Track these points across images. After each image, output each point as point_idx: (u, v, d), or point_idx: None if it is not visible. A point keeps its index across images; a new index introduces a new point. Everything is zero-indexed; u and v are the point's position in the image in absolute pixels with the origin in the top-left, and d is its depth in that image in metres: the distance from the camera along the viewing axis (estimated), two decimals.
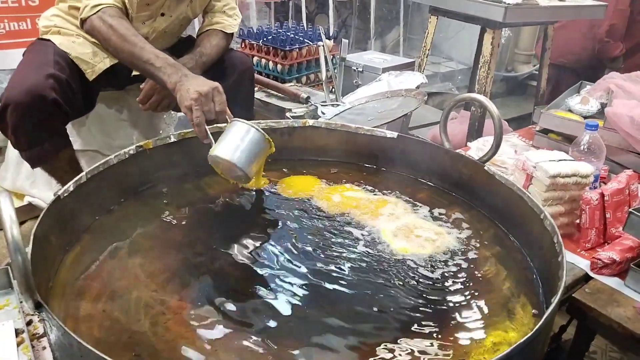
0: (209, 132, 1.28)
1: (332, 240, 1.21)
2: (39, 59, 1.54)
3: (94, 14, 1.51)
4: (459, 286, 1.08)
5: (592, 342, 1.36)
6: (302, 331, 0.94)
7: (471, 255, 1.19)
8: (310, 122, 1.58)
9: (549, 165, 1.38)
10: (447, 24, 3.89)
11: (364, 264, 1.13)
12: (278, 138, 1.55)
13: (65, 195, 1.10)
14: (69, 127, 1.67)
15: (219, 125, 1.34)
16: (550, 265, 1.04)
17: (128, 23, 1.53)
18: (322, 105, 2.18)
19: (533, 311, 1.02)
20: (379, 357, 0.88)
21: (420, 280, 1.09)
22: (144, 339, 0.90)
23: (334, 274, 1.09)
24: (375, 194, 1.43)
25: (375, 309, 1.00)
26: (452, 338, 0.94)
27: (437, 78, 4.57)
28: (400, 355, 0.89)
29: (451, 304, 1.03)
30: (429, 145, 1.50)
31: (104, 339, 0.90)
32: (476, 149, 1.87)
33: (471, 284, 1.09)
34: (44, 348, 0.95)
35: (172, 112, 2.20)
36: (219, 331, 0.92)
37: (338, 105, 2.16)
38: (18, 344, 0.95)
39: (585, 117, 2.06)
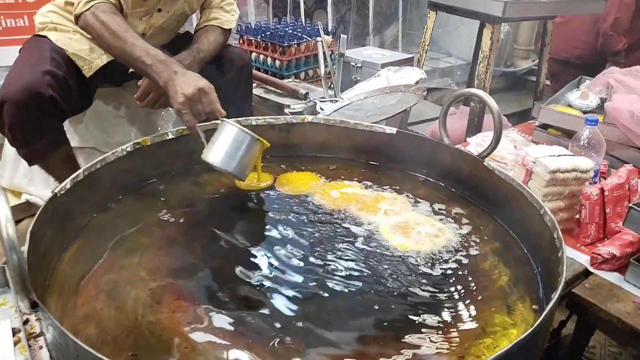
0: (200, 133, 1.29)
1: (331, 237, 1.20)
2: (35, 56, 1.53)
3: (87, 9, 1.49)
4: (458, 282, 1.08)
5: (591, 337, 1.36)
6: (301, 329, 0.93)
7: (471, 251, 1.18)
8: (309, 118, 1.58)
9: (548, 161, 1.37)
10: (446, 19, 3.88)
11: (362, 261, 1.12)
12: (276, 134, 1.55)
13: (62, 193, 1.10)
14: (66, 124, 1.66)
15: (215, 122, 1.33)
16: (550, 261, 1.04)
17: (121, 19, 1.51)
18: (320, 101, 2.17)
19: (533, 307, 1.02)
20: (379, 353, 0.88)
21: (420, 276, 1.09)
22: (141, 338, 0.90)
23: (333, 271, 1.08)
24: (374, 190, 1.42)
25: (374, 305, 1.00)
26: (451, 334, 0.93)
27: (436, 73, 4.55)
28: (400, 351, 0.88)
29: (451, 300, 1.02)
30: (428, 141, 1.50)
31: (101, 337, 0.89)
32: (475, 145, 1.86)
33: (471, 279, 1.09)
34: (41, 347, 0.94)
35: (170, 109, 2.19)
36: (217, 330, 0.92)
37: (337, 101, 2.15)
38: (15, 344, 0.94)
39: (584, 112, 2.05)
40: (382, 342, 0.91)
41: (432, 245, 1.19)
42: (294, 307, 0.98)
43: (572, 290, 1.22)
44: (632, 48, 2.94)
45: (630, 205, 1.25)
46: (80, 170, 1.17)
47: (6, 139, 1.54)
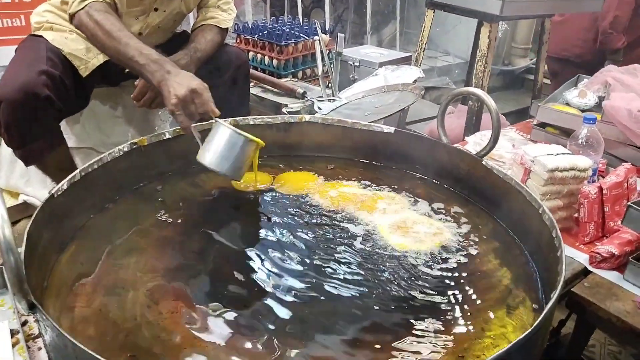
0: (195, 134, 1.29)
1: (330, 237, 1.20)
2: (31, 56, 1.52)
3: (81, 9, 1.48)
4: (457, 282, 1.08)
5: (591, 336, 1.36)
6: (301, 330, 0.93)
7: (470, 250, 1.18)
8: (307, 117, 1.57)
9: (547, 159, 1.37)
10: (443, 17, 3.87)
11: (361, 261, 1.12)
12: (274, 134, 1.55)
13: (59, 193, 1.09)
14: (63, 124, 1.65)
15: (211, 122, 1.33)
16: (549, 260, 1.04)
17: (115, 18, 1.49)
18: (318, 101, 2.16)
19: (532, 306, 1.01)
20: (379, 354, 0.88)
21: (419, 276, 1.08)
22: (140, 338, 0.89)
23: (332, 272, 1.08)
24: (372, 190, 1.42)
25: (373, 305, 0.99)
26: (451, 334, 0.93)
27: (434, 72, 4.55)
28: (399, 351, 0.88)
29: (450, 300, 1.02)
30: (426, 140, 1.50)
31: (100, 339, 0.89)
32: (474, 143, 1.86)
33: (470, 279, 1.09)
34: (40, 349, 0.94)
35: None
36: (216, 331, 0.91)
37: (334, 100, 2.15)
38: (13, 345, 0.94)
39: (582, 111, 2.05)
40: (382, 343, 0.90)
41: (430, 244, 1.19)
42: (292, 309, 0.97)
43: (572, 289, 1.22)
44: (631, 46, 2.94)
45: (629, 203, 1.24)
46: (77, 171, 1.17)
47: (2, 139, 1.53)
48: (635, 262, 1.24)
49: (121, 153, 1.28)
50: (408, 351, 0.89)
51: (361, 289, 1.04)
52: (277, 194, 1.38)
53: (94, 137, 1.99)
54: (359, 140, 1.55)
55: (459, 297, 1.03)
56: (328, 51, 2.52)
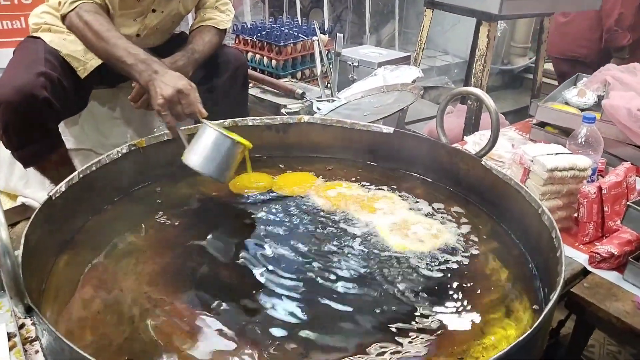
0: (181, 135, 1.29)
1: (329, 238, 1.20)
2: (29, 57, 1.52)
3: (72, 10, 1.47)
4: (457, 283, 1.07)
5: (590, 336, 1.36)
6: (300, 334, 0.92)
7: (469, 251, 1.18)
8: (306, 118, 1.57)
9: (546, 159, 1.37)
10: (442, 17, 3.87)
11: (360, 262, 1.12)
12: (273, 134, 1.55)
13: (57, 195, 1.09)
14: (62, 126, 1.65)
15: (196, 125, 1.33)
16: (548, 261, 1.03)
17: (104, 19, 1.49)
18: (317, 101, 2.16)
19: (532, 307, 1.01)
20: (378, 355, 0.87)
21: (418, 277, 1.08)
22: (138, 342, 0.89)
23: (331, 273, 1.07)
24: (371, 190, 1.41)
25: (372, 307, 0.99)
26: (450, 335, 0.93)
27: (433, 72, 4.55)
28: (398, 352, 0.88)
29: (449, 301, 1.02)
30: (425, 141, 1.49)
31: (97, 342, 0.88)
32: (473, 143, 1.85)
33: (469, 280, 1.08)
34: (37, 352, 0.94)
35: None
36: (214, 335, 0.91)
37: (334, 100, 2.14)
38: (10, 348, 0.94)
39: (582, 110, 2.05)
40: (381, 344, 0.90)
41: (430, 245, 1.18)
42: (292, 311, 0.97)
43: (571, 289, 1.21)
44: (637, 43, 2.92)
45: (628, 203, 1.24)
46: (76, 173, 1.16)
47: (0, 141, 1.53)
48: (635, 262, 1.24)
49: (120, 155, 1.28)
50: (408, 352, 0.88)
51: (360, 290, 1.03)
52: (276, 195, 1.38)
53: (93, 139, 1.99)
54: (358, 141, 1.55)
55: (458, 298, 1.03)
56: (327, 51, 2.51)
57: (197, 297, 1.01)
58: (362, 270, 1.09)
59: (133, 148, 1.31)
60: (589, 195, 1.37)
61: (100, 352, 0.86)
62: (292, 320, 0.95)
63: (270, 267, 1.09)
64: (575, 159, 1.39)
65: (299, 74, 2.69)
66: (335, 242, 1.18)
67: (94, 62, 1.60)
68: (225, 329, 0.92)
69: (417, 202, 1.36)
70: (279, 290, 1.02)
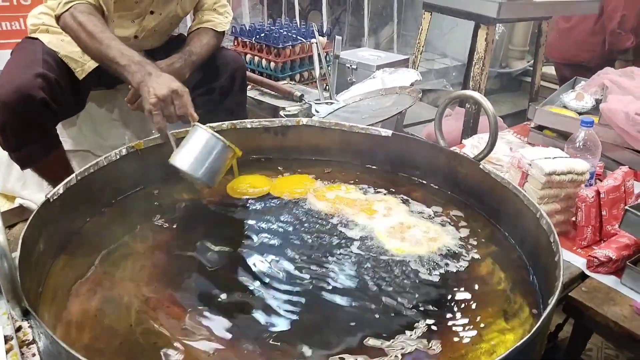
0: (170, 137, 1.27)
1: (326, 241, 1.20)
2: (27, 58, 1.52)
3: (66, 10, 1.47)
4: (455, 287, 1.07)
5: (588, 340, 1.36)
6: (299, 336, 0.92)
7: (468, 254, 1.17)
8: (304, 120, 1.57)
9: (544, 163, 1.37)
10: (441, 20, 3.88)
11: (358, 266, 1.11)
12: (272, 137, 1.54)
13: (54, 198, 1.08)
14: (59, 127, 1.65)
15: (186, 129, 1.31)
16: (546, 265, 1.03)
17: (98, 20, 1.48)
18: (316, 103, 2.16)
19: (530, 311, 1.01)
20: (376, 359, 0.87)
21: (416, 281, 1.08)
22: (136, 345, 0.89)
23: (329, 277, 1.07)
24: (369, 193, 1.41)
25: (369, 310, 0.99)
26: (448, 340, 0.93)
27: (431, 74, 4.55)
28: (396, 357, 0.88)
29: (447, 305, 1.02)
30: (424, 144, 1.49)
31: (95, 345, 0.88)
32: (471, 146, 1.86)
33: (467, 284, 1.08)
34: (34, 355, 0.94)
35: None
36: (212, 338, 0.91)
37: (332, 103, 2.14)
38: (7, 351, 0.93)
39: (580, 113, 2.05)
40: (379, 349, 0.90)
41: (428, 249, 1.18)
42: (289, 315, 0.97)
43: (569, 294, 1.21)
44: None
45: (626, 207, 1.24)
46: (73, 175, 1.16)
47: None
48: (633, 267, 1.24)
49: (118, 157, 1.28)
50: (404, 356, 0.88)
51: (358, 294, 1.03)
52: (274, 198, 1.38)
53: (91, 140, 1.99)
54: (356, 144, 1.55)
55: (456, 301, 1.03)
56: (325, 54, 2.51)
57: (194, 300, 1.00)
58: (360, 274, 1.09)
59: (131, 150, 1.31)
60: (587, 199, 1.37)
61: (97, 355, 0.86)
62: (289, 324, 0.95)
63: (268, 271, 1.09)
64: (573, 163, 1.39)
65: (297, 77, 2.69)
66: (332, 246, 1.18)
67: (92, 63, 1.60)
68: (222, 333, 0.92)
69: (415, 205, 1.36)
70: (276, 294, 1.02)
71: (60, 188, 1.10)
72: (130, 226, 1.21)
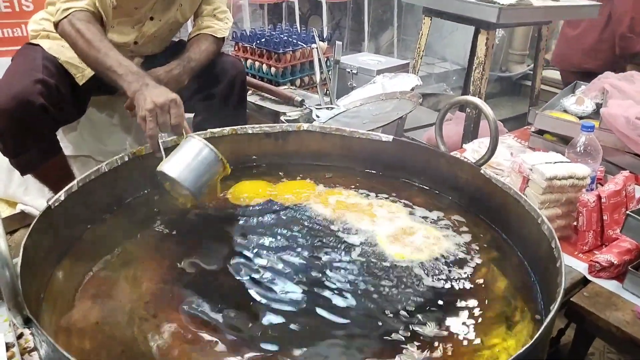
0: (161, 146, 1.25)
1: (327, 246, 1.19)
2: (27, 64, 1.52)
3: (65, 17, 1.45)
4: (456, 292, 1.07)
5: (590, 345, 1.35)
6: (300, 343, 0.92)
7: (468, 260, 1.17)
8: (305, 126, 1.57)
9: (545, 168, 1.37)
10: (441, 24, 3.89)
11: (359, 271, 1.11)
12: (272, 142, 1.54)
13: (56, 205, 1.08)
14: (60, 133, 1.65)
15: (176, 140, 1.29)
16: (548, 270, 1.03)
17: (97, 28, 1.46)
18: (316, 109, 2.16)
19: (533, 317, 1.01)
20: None
21: (417, 286, 1.08)
22: (137, 352, 0.88)
23: (329, 283, 1.07)
24: (370, 199, 1.41)
25: (371, 318, 0.98)
26: (449, 346, 0.92)
27: (431, 79, 4.57)
28: None
29: (448, 311, 1.01)
30: (424, 149, 1.49)
31: (96, 352, 0.88)
32: (472, 151, 1.86)
33: (469, 289, 1.08)
34: None
35: None
36: (213, 344, 0.90)
37: (333, 108, 2.14)
38: (9, 358, 0.93)
39: (580, 118, 2.05)
40: (379, 355, 0.90)
41: (429, 254, 1.18)
42: (291, 322, 0.96)
43: (571, 299, 1.21)
44: None
45: (627, 212, 1.24)
46: (75, 182, 1.16)
47: None
48: (635, 272, 1.24)
49: (119, 163, 1.27)
50: None
51: (359, 299, 1.03)
52: (275, 204, 1.37)
53: (91, 145, 1.99)
54: (357, 149, 1.55)
55: (458, 307, 1.03)
56: (326, 59, 2.52)
57: (196, 307, 1.00)
58: (360, 281, 1.09)
59: (132, 156, 1.31)
60: (588, 203, 1.37)
61: None
62: (290, 331, 0.95)
63: (268, 276, 1.08)
64: (574, 168, 1.39)
65: (298, 82, 2.69)
66: (333, 251, 1.18)
67: None
68: (224, 338, 0.91)
69: (416, 210, 1.36)
70: (277, 301, 1.02)
71: (61, 195, 1.10)
72: (132, 232, 1.21)
